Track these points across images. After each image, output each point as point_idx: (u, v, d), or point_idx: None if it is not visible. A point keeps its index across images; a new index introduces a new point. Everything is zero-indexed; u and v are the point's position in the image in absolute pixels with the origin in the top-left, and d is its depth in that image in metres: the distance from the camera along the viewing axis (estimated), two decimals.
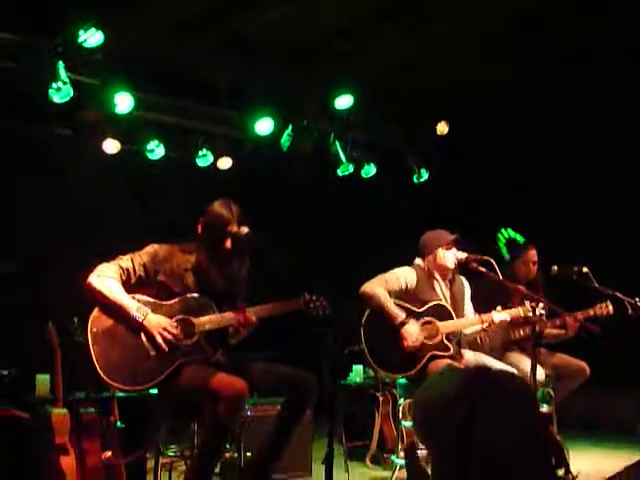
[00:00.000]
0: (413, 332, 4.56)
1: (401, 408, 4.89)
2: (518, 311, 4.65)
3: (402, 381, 4.82)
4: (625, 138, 6.51)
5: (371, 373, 6.03)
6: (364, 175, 7.18)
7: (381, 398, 5.72)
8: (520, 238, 5.61)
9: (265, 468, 3.88)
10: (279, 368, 4.05)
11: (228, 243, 3.91)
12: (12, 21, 5.33)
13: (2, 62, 5.38)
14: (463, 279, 4.93)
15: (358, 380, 6.08)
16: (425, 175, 7.31)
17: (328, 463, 3.69)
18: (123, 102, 5.82)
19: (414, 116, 7.29)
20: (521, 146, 6.89)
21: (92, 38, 5.29)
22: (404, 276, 4.74)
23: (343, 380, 6.07)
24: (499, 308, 4.65)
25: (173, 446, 4.70)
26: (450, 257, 4.73)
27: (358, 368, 6.07)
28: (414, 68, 6.59)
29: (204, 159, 6.63)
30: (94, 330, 3.74)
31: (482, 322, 4.63)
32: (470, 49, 6.37)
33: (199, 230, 4.02)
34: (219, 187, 6.53)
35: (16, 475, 4.39)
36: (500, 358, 5.15)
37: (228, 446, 4.14)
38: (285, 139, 6.61)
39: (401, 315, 4.59)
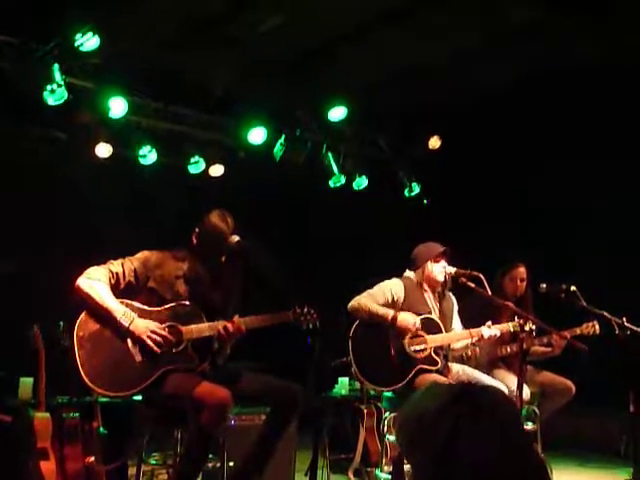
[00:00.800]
0: (409, 318, 4.55)
1: (386, 422, 4.86)
2: (508, 326, 4.65)
3: (388, 395, 4.80)
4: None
5: (356, 386, 6.02)
6: (356, 187, 7.18)
7: (366, 411, 5.70)
8: None
9: (249, 479, 3.85)
10: (265, 378, 4.04)
11: (222, 256, 3.91)
12: (9, 22, 5.33)
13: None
14: (451, 295, 4.93)
15: (343, 392, 6.06)
16: (416, 189, 7.32)
17: (312, 475, 3.66)
18: (117, 106, 5.82)
19: (406, 129, 7.32)
20: (514, 159, 6.91)
21: (88, 42, 5.29)
22: (390, 288, 4.73)
23: (328, 392, 6.05)
24: (489, 323, 4.65)
25: (156, 454, 4.67)
26: (439, 269, 4.72)
27: (344, 380, 6.06)
28: (408, 78, 6.61)
29: (196, 166, 6.62)
30: (80, 334, 3.71)
31: (471, 337, 4.63)
32: (468, 55, 6.35)
33: (194, 240, 4.01)
34: (210, 194, 6.57)
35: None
36: (486, 374, 5.14)
37: (211, 455, 4.11)
38: (278, 149, 6.62)
39: (390, 312, 4.57)
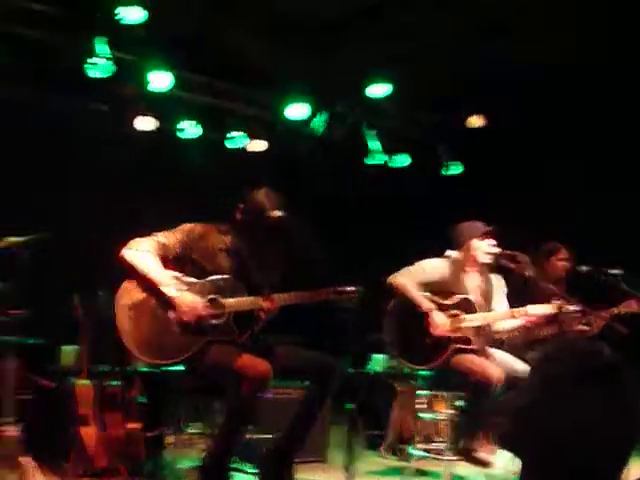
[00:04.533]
0: (440, 320, 4.54)
1: (422, 400, 4.88)
2: (549, 307, 4.59)
3: (423, 373, 4.81)
4: None
5: (391, 363, 6.03)
6: (395, 165, 7.16)
7: (399, 389, 5.73)
8: None
9: (288, 453, 3.91)
10: (302, 352, 4.08)
11: (265, 232, 3.94)
12: None
13: (41, 34, 5.42)
14: (496, 276, 4.87)
15: (377, 369, 6.09)
16: (457, 167, 7.27)
17: (348, 450, 3.70)
18: (161, 80, 5.85)
19: (447, 106, 7.23)
20: (554, 138, 6.79)
21: (133, 14, 5.32)
22: (431, 268, 4.71)
23: (362, 368, 6.08)
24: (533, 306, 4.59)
25: (194, 423, 4.74)
26: (484, 249, 4.67)
27: (378, 357, 6.08)
28: (448, 53, 6.51)
29: (237, 141, 6.65)
30: (122, 302, 3.78)
31: (513, 316, 4.59)
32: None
33: (238, 215, 4.04)
34: (251, 169, 6.59)
35: (41, 442, 4.46)
36: (521, 357, 5.11)
37: (250, 427, 4.16)
38: (318, 124, 6.61)
39: (427, 302, 4.57)
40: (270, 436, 4.42)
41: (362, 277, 4.16)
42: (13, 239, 4.31)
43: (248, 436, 4.30)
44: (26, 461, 4.14)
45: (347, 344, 4.06)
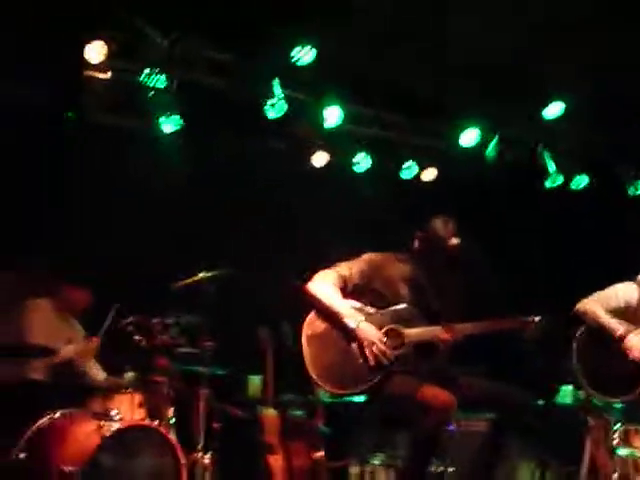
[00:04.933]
0: (638, 343, 4.26)
1: (616, 434, 4.58)
2: None
3: (618, 405, 4.52)
4: None
5: (581, 395, 5.72)
6: (574, 187, 6.87)
7: (593, 422, 5.40)
8: None
9: None
10: (488, 383, 3.95)
11: (444, 260, 3.90)
12: (229, 42, 5.68)
13: (220, 80, 5.75)
14: None
15: (567, 401, 5.80)
16: None
17: None
18: (332, 115, 6.01)
19: (625, 123, 6.86)
20: None
21: (306, 55, 5.51)
22: (623, 293, 4.46)
23: (551, 400, 5.81)
24: None
25: (378, 454, 4.74)
26: None
27: (567, 388, 5.80)
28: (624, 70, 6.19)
29: (409, 171, 6.68)
30: (309, 333, 3.87)
31: None
32: None
33: (416, 244, 4.05)
34: (424, 199, 6.57)
35: (231, 470, 4.63)
36: None
37: (434, 460, 4.10)
38: (491, 149, 6.49)
39: (620, 327, 4.31)
40: (453, 469, 4.33)
41: (545, 305, 4.00)
42: (201, 275, 4.56)
43: (432, 468, 4.23)
44: None
45: (533, 375, 3.90)
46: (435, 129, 6.66)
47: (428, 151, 6.72)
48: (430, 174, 6.79)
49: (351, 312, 3.84)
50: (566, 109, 6.35)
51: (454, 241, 3.91)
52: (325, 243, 5.86)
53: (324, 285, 3.90)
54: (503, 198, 7.22)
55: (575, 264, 7.00)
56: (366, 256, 4.04)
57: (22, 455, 3.81)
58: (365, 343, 3.77)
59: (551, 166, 6.70)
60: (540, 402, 5.07)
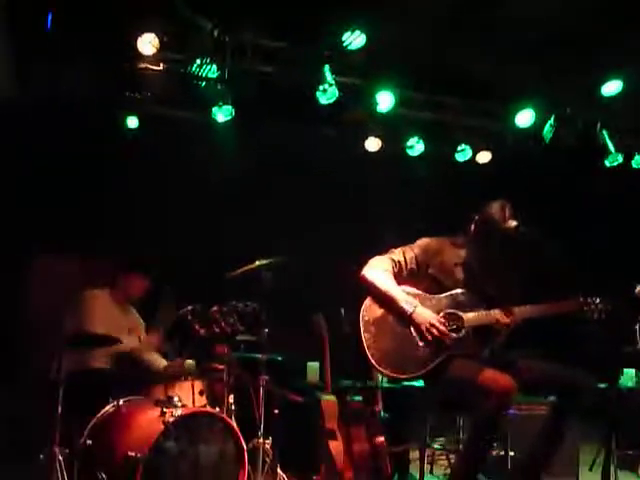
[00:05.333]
0: None
1: None
2: None
3: None
4: None
5: None
6: (635, 165, 6.70)
7: None
8: None
9: (536, 471, 3.75)
10: (549, 367, 3.88)
11: (501, 244, 3.86)
12: (279, 29, 5.68)
13: (272, 68, 5.75)
14: None
15: (630, 384, 5.69)
16: None
17: (605, 471, 3.47)
18: (384, 100, 5.97)
19: None
20: None
21: (356, 40, 5.48)
22: None
23: (614, 383, 5.70)
24: None
25: (438, 439, 4.72)
26: None
27: (630, 371, 5.69)
28: None
29: (463, 154, 6.61)
30: (365, 318, 3.88)
31: None
32: None
33: (472, 228, 4.02)
34: (478, 182, 6.50)
35: (291, 455, 4.67)
36: None
37: (495, 444, 4.07)
38: (547, 130, 6.36)
39: None
40: (513, 453, 4.29)
41: (609, 287, 3.91)
42: (258, 262, 4.59)
43: (494, 452, 4.20)
44: (279, 473, 4.37)
45: (596, 358, 3.83)
46: (489, 110, 6.55)
47: (482, 133, 6.62)
48: (485, 157, 6.70)
49: (406, 297, 3.84)
50: (624, 87, 6.18)
51: (511, 224, 3.85)
52: (380, 228, 5.84)
53: (378, 271, 3.91)
54: (561, 179, 7.08)
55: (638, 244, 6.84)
56: (421, 242, 4.03)
57: (88, 442, 3.90)
58: (423, 326, 3.77)
59: (610, 145, 6.53)
60: (603, 385, 4.96)
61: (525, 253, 3.97)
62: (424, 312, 3.81)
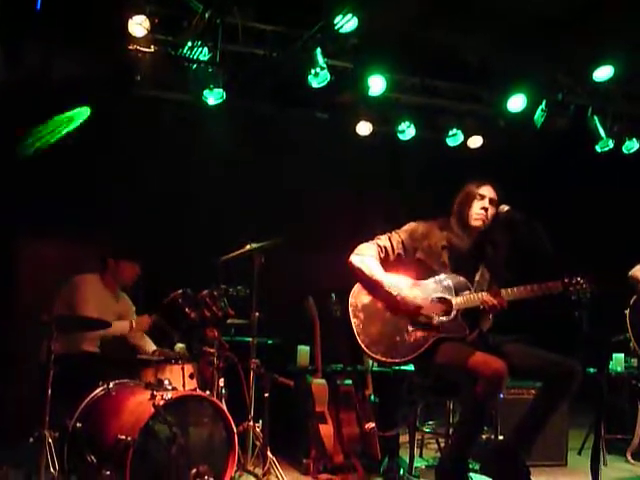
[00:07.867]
0: None
1: None
2: None
3: None
4: None
5: (633, 362, 5.65)
6: (625, 151, 6.70)
7: None
8: None
9: (514, 451, 3.74)
10: (536, 352, 3.88)
11: (473, 218, 3.88)
12: (271, 11, 5.63)
13: (264, 51, 5.71)
14: None
15: (619, 369, 5.72)
16: None
17: (594, 455, 3.49)
18: (376, 84, 5.94)
19: None
20: None
21: (348, 24, 5.43)
22: None
23: (603, 369, 5.73)
24: None
25: (427, 423, 4.74)
26: None
27: (619, 357, 5.72)
28: None
29: (454, 138, 6.60)
30: (354, 304, 3.90)
31: None
32: None
33: (455, 208, 4.03)
34: (470, 166, 6.49)
35: (281, 438, 4.68)
36: None
37: (485, 427, 4.09)
38: (539, 115, 6.35)
39: None
40: (502, 437, 4.31)
41: (598, 271, 3.92)
42: (250, 246, 4.59)
43: (484, 436, 4.22)
44: (269, 456, 4.38)
45: (583, 342, 3.83)
46: (481, 95, 6.53)
47: (474, 118, 6.60)
48: (476, 141, 6.69)
49: (392, 282, 3.85)
50: (615, 72, 6.17)
51: (503, 208, 3.86)
52: (370, 212, 5.84)
53: (365, 257, 3.93)
54: (552, 164, 7.09)
55: (626, 229, 6.86)
56: (408, 226, 4.05)
57: (78, 425, 3.90)
58: (411, 309, 3.77)
59: (601, 130, 6.53)
60: (591, 370, 4.99)
61: (515, 236, 3.97)
62: (410, 295, 3.82)
